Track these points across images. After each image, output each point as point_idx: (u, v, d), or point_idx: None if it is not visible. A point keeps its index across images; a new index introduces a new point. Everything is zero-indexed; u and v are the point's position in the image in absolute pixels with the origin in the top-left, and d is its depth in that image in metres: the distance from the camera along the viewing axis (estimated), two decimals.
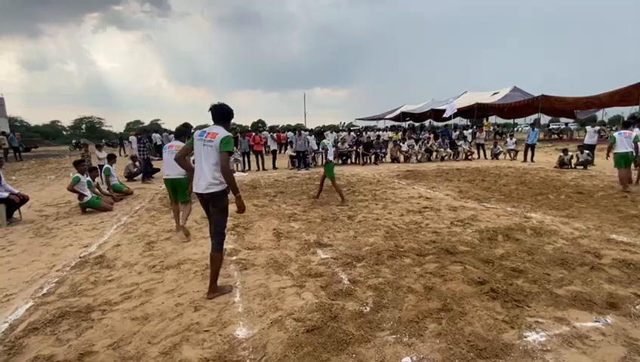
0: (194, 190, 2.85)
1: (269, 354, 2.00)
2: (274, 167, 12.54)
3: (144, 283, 3.01)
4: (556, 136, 25.70)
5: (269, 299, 2.67)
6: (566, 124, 28.77)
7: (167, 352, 2.04)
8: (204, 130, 2.89)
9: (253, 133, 12.79)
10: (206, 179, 2.69)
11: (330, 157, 6.30)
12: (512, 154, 14.04)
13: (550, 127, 28.39)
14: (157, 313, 2.50)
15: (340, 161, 14.01)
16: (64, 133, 61.01)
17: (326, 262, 3.38)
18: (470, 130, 17.95)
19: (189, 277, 3.13)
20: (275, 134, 16.06)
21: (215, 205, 2.74)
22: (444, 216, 5.01)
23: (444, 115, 22.64)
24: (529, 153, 12.85)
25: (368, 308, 2.47)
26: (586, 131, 12.39)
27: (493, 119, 32.20)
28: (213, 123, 2.94)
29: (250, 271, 3.24)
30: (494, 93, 27.08)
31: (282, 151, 17.60)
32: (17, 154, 19.10)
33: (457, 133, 18.52)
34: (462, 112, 29.36)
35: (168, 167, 4.52)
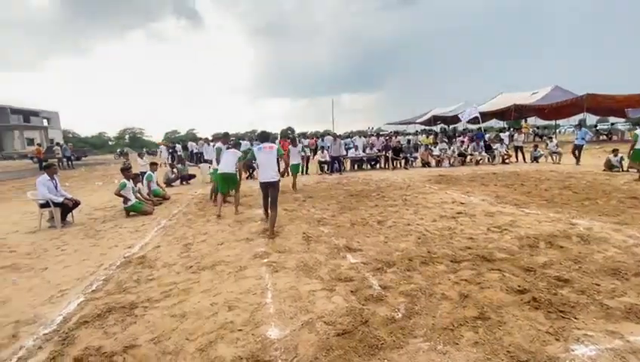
0: (262, 180, 4.78)
1: (300, 355, 2.01)
2: (305, 172, 12.66)
3: (182, 283, 3.15)
4: (605, 136, 23.81)
5: (299, 301, 2.70)
6: (612, 124, 26.60)
7: (203, 349, 2.12)
8: (260, 145, 4.91)
9: (283, 140, 12.99)
10: (271, 173, 4.73)
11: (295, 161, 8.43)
12: (555, 157, 13.19)
13: (598, 128, 26.37)
14: (194, 311, 2.61)
15: (369, 166, 13.91)
16: (109, 143, 65.65)
17: (356, 266, 3.36)
18: (507, 133, 17.09)
19: (224, 277, 3.24)
20: (309, 140, 16.28)
21: (275, 188, 4.74)
22: (479, 222, 4.80)
23: (464, 118, 21.85)
24: (576, 154, 11.95)
25: (400, 314, 2.42)
26: (637, 136, 11.33)
27: (532, 121, 30.53)
28: (260, 142, 5.09)
29: (281, 273, 3.29)
30: (533, 93, 25.71)
31: (313, 157, 17.76)
32: (69, 162, 20.84)
33: (489, 135, 17.74)
34: (497, 114, 28.18)
35: (225, 165, 6.02)
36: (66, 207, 5.87)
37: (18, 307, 2.85)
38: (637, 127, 13.46)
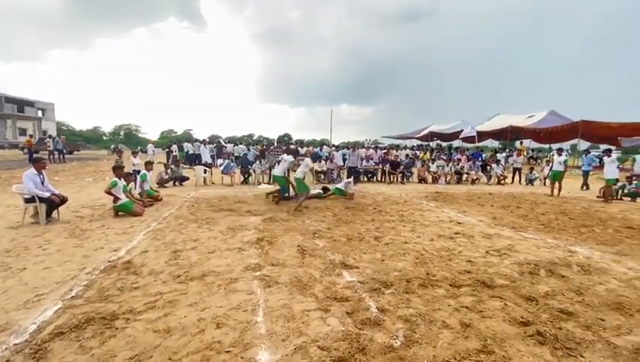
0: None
1: None
2: None
3: (168, 294, 2.98)
4: (597, 164, 24.13)
5: (292, 321, 2.55)
6: (603, 151, 27.10)
7: None
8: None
9: (285, 147, 12.88)
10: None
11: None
12: (547, 182, 13.26)
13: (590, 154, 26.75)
14: (179, 327, 2.44)
15: (366, 179, 13.84)
16: (104, 138, 64.87)
17: (352, 285, 3.23)
18: (504, 154, 17.21)
19: (213, 290, 3.07)
20: (306, 149, 16.20)
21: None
22: (478, 244, 4.72)
23: (461, 135, 22.49)
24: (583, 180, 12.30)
25: (399, 342, 2.29)
26: (634, 160, 11.56)
27: (527, 143, 30.94)
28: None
29: (274, 288, 3.14)
30: (530, 116, 26.14)
31: None
32: (61, 156, 20.40)
33: (485, 155, 17.90)
34: (493, 135, 28.54)
35: (276, 170, 7.72)
36: (53, 203, 5.65)
37: None
38: (636, 156, 13.67)
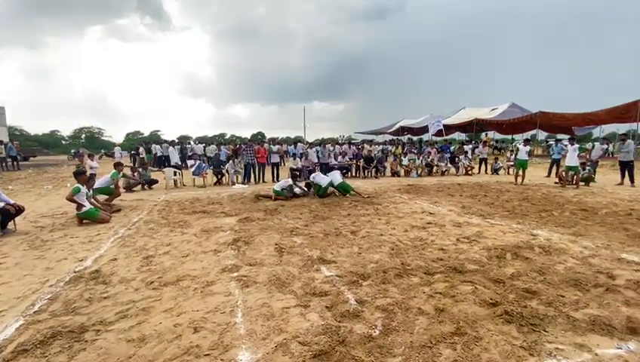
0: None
1: None
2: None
3: (141, 301, 2.87)
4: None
5: (272, 319, 2.54)
6: (559, 140, 29.05)
7: None
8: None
9: (258, 146, 12.66)
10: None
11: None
12: (513, 170, 14.02)
13: (548, 143, 28.59)
14: (154, 334, 2.36)
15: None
16: (63, 142, 61.05)
17: (331, 280, 3.26)
18: (470, 146, 17.97)
19: (189, 294, 3.00)
20: (278, 147, 16.11)
21: None
22: (449, 233, 4.91)
23: (430, 133, 23.52)
24: (554, 169, 12.84)
25: (377, 331, 2.35)
26: (594, 147, 12.49)
27: (491, 134, 32.48)
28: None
29: (252, 288, 3.11)
30: (493, 109, 27.43)
31: (283, 164, 17.55)
32: (15, 163, 18.95)
33: (454, 147, 18.62)
34: (460, 127, 29.72)
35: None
36: (8, 214, 5.25)
37: None
38: (595, 143, 14.72)
